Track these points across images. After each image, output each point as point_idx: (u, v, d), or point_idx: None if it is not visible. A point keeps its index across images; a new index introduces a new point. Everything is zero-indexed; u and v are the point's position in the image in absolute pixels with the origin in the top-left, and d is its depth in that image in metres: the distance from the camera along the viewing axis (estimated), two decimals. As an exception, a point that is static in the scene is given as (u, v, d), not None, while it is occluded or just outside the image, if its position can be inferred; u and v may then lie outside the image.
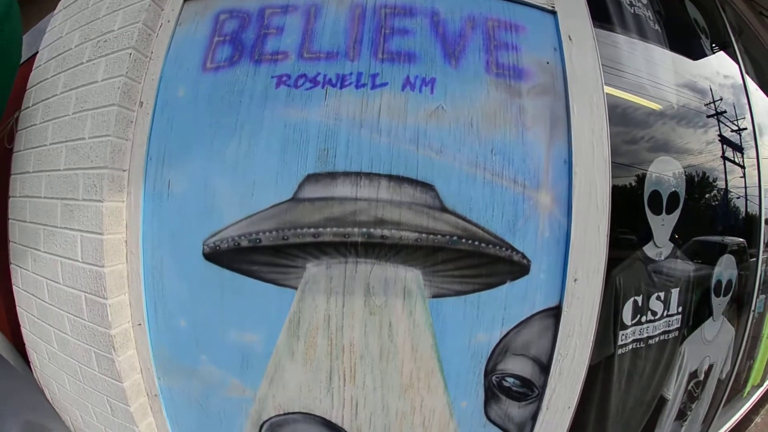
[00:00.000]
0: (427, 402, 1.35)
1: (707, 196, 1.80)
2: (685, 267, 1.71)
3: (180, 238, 1.34)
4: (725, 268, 1.90)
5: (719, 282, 1.89)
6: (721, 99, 1.85)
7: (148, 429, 1.55)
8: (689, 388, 1.97)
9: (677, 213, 1.64)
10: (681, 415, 2.05)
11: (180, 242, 1.35)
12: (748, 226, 2.01)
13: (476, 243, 1.25)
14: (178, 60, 1.39)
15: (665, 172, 1.60)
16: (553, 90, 1.32)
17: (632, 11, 1.67)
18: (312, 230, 1.24)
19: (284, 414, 1.40)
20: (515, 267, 1.28)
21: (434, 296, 1.26)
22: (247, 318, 1.32)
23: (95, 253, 1.35)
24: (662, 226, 1.61)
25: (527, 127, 1.29)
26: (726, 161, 1.85)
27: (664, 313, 1.67)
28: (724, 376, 2.15)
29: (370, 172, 1.24)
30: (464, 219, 1.25)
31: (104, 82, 1.39)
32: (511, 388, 1.38)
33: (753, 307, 2.12)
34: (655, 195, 1.56)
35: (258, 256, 1.27)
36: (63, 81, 1.50)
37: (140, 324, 1.44)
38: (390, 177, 1.23)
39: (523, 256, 1.27)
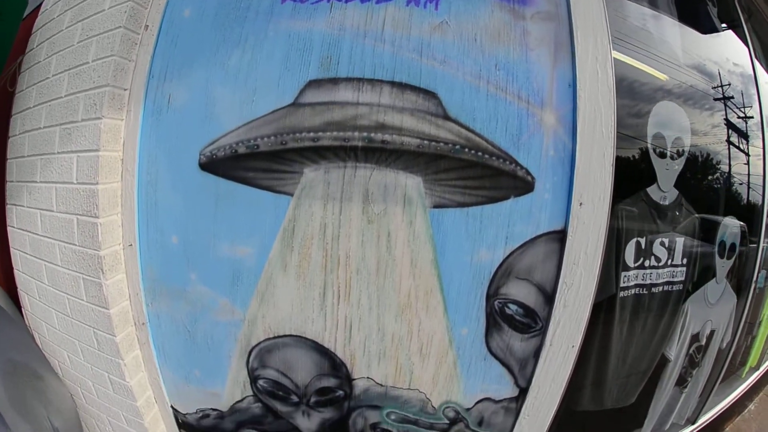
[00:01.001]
0: (425, 325, 1.20)
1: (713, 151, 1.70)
2: (690, 218, 1.59)
3: (177, 150, 1.23)
4: (729, 231, 1.78)
5: (723, 243, 1.75)
6: (727, 83, 1.79)
7: (134, 362, 1.39)
8: (691, 351, 1.79)
9: (682, 161, 1.54)
10: (681, 381, 1.85)
11: (177, 154, 1.24)
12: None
13: (479, 153, 1.14)
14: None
15: (668, 116, 1.52)
16: (557, 17, 1.25)
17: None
18: (311, 134, 1.13)
19: (274, 338, 1.25)
20: (519, 183, 1.16)
21: (435, 206, 1.14)
22: (240, 229, 1.19)
23: (90, 171, 1.24)
24: (666, 170, 1.50)
25: (531, 47, 1.21)
26: (728, 105, 1.77)
27: (668, 262, 1.54)
28: (724, 345, 1.95)
29: (372, 78, 1.14)
30: (467, 128, 1.14)
31: (111, 9, 1.32)
32: (513, 317, 1.24)
33: (755, 278, 1.98)
34: (659, 137, 1.47)
35: (255, 163, 1.16)
36: (69, 17, 1.43)
37: (131, 245, 1.31)
38: (393, 83, 1.14)
39: (528, 172, 1.16)
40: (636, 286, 1.45)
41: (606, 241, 1.21)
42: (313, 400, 1.27)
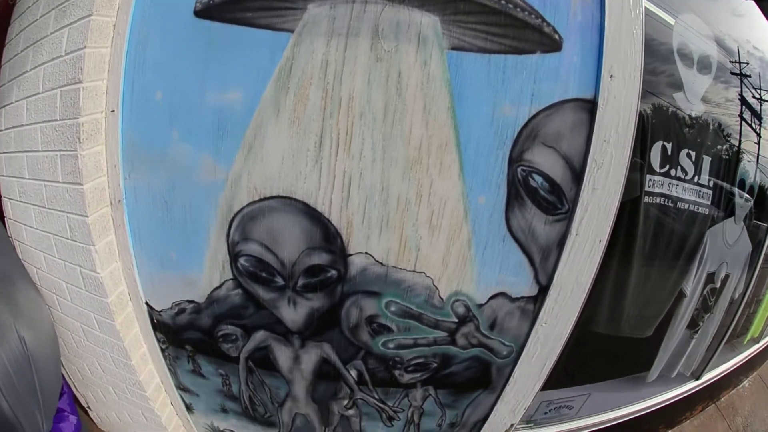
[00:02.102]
0: (437, 187, 0.95)
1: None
2: (716, 138, 1.37)
3: (173, 3, 1.03)
4: (750, 170, 1.56)
5: (743, 181, 1.54)
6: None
7: (107, 249, 1.13)
8: (705, 293, 1.54)
9: (709, 78, 1.33)
10: (693, 324, 1.60)
11: (172, 7, 1.03)
12: None
13: (503, 2, 0.92)
14: None
15: (693, 30, 1.33)
16: None
17: None
18: (319, -37, 0.93)
19: (259, 200, 0.99)
20: (546, 39, 0.94)
21: (453, 48, 0.91)
22: (231, 73, 0.95)
23: (80, 37, 1.01)
24: (693, 83, 1.30)
25: None
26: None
27: (695, 179, 1.30)
28: (736, 296, 1.72)
29: None
30: (493, -30, 0.94)
31: None
32: (538, 191, 0.99)
33: None
34: (684, 47, 1.27)
35: (254, 2, 0.95)
36: None
37: (113, 111, 1.07)
38: None
39: (555, 30, 0.94)
40: (662, 195, 1.22)
41: (636, 127, 0.98)
42: (300, 282, 1.00)
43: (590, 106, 0.94)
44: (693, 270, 1.46)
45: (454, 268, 0.95)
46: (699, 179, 1.30)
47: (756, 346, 2.21)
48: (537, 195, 0.94)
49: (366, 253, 0.94)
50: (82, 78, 1.01)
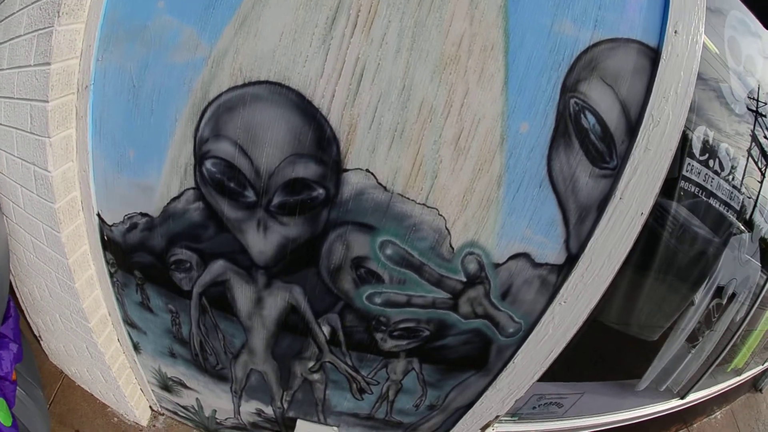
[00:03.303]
0: (473, 99, 0.67)
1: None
2: (754, 144, 1.15)
3: None
4: None
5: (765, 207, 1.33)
6: None
7: (63, 144, 0.84)
8: (711, 306, 1.35)
9: (755, 80, 1.11)
10: (693, 338, 1.42)
11: None
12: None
13: None
14: None
15: (742, 29, 1.09)
16: None
17: None
18: None
19: (243, 85, 0.70)
20: None
21: None
22: None
23: None
24: (739, 79, 1.07)
25: None
26: None
27: (730, 177, 1.07)
28: (738, 318, 1.53)
29: None
30: None
31: None
32: (589, 133, 0.72)
33: None
34: (733, 43, 1.04)
35: None
36: None
37: None
38: None
39: None
40: (698, 185, 0.98)
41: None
42: (276, 200, 0.71)
43: (653, 56, 0.73)
44: (704, 281, 1.23)
45: (475, 210, 0.67)
46: (733, 179, 1.07)
47: (736, 379, 2.00)
48: (587, 138, 0.67)
49: (367, 170, 0.66)
50: None
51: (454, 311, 0.77)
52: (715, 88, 1.04)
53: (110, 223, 0.86)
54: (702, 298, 1.29)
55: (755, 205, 1.29)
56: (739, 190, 1.14)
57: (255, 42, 0.64)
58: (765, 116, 1.39)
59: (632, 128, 0.72)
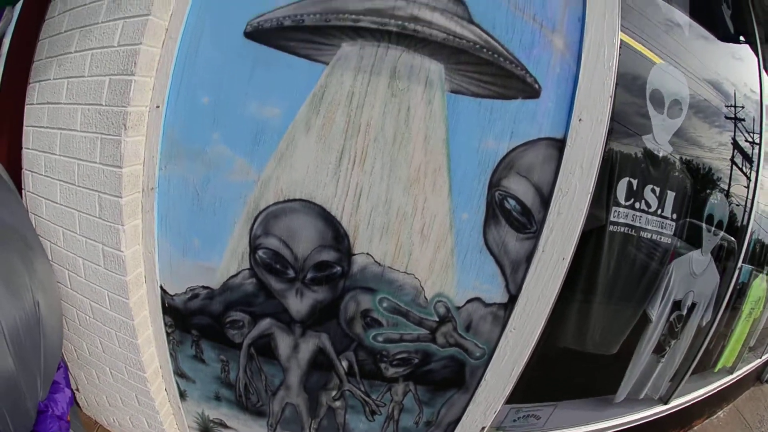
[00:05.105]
0: (430, 203, 1.29)
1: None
2: (682, 177, 1.74)
3: (224, 21, 1.37)
4: (719, 206, 1.93)
5: (711, 216, 1.90)
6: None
7: (132, 231, 1.43)
8: (671, 319, 1.90)
9: (679, 120, 1.72)
10: (660, 349, 1.95)
11: (223, 24, 1.37)
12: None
13: (495, 55, 1.31)
14: None
15: (667, 74, 1.72)
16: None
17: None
18: (353, 16, 1.30)
19: (284, 201, 1.32)
20: (527, 88, 1.32)
21: (452, 91, 1.29)
22: (272, 91, 1.31)
23: (135, 33, 1.34)
24: (662, 125, 1.68)
25: (549, -16, 1.44)
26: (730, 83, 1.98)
27: (658, 211, 1.67)
28: (704, 323, 2.07)
29: (412, -21, 1.34)
30: (488, 33, 1.32)
31: None
32: (511, 212, 1.34)
33: (738, 265, 2.11)
34: (656, 93, 1.66)
35: (297, 34, 1.31)
36: None
37: (158, 106, 1.40)
38: (429, -14, 1.34)
39: (535, 80, 1.33)
40: (626, 225, 1.58)
41: (600, 164, 1.35)
42: (309, 276, 1.31)
43: (560, 144, 1.31)
44: (658, 296, 1.83)
45: (438, 273, 1.27)
46: (662, 212, 1.66)
47: (728, 378, 2.51)
48: (510, 215, 1.28)
49: (367, 253, 1.26)
50: (135, 72, 1.32)
51: (433, 343, 1.35)
52: (636, 143, 1.62)
53: (172, 293, 1.44)
54: (659, 314, 1.86)
55: (704, 220, 1.81)
56: (672, 219, 1.70)
57: (290, 172, 1.26)
58: (743, 120, 2.00)
59: (546, 201, 1.33)
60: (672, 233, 1.72)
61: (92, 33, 1.45)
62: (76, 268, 1.52)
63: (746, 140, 2.11)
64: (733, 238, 2.10)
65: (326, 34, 1.28)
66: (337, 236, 1.30)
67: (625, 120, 1.60)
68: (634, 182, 1.60)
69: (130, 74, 1.34)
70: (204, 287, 1.43)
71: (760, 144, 2.11)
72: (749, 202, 2.19)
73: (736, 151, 2.09)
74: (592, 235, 1.52)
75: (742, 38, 2.22)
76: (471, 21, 1.30)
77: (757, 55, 2.28)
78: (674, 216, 1.72)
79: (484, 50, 1.29)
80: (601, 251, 1.57)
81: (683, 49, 1.84)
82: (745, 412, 2.92)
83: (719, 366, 2.53)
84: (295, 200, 1.30)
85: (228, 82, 1.33)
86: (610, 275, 1.62)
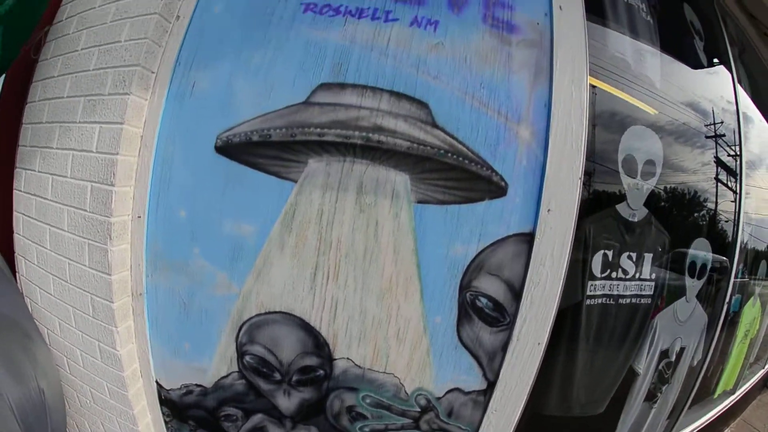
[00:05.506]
0: (403, 310, 1.38)
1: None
2: (659, 236, 1.80)
3: (195, 133, 1.44)
4: (700, 252, 1.99)
5: (693, 263, 1.96)
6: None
7: (126, 332, 1.54)
8: (660, 367, 1.97)
9: (654, 181, 1.77)
10: (651, 396, 2.01)
11: (195, 137, 1.44)
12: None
13: (460, 159, 1.36)
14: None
15: (640, 139, 1.76)
16: (540, 45, 1.51)
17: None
18: (318, 130, 1.35)
19: (265, 313, 1.41)
20: (494, 187, 1.38)
21: (419, 201, 1.35)
22: (245, 209, 1.38)
23: (112, 142, 1.41)
24: (637, 190, 1.73)
25: (513, 71, 1.46)
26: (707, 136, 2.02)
27: (636, 275, 1.73)
28: (695, 363, 2.13)
29: (374, 86, 1.38)
30: (452, 136, 1.37)
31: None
32: (483, 310, 1.42)
33: (727, 300, 2.18)
34: (629, 158, 1.70)
35: (265, 150, 1.37)
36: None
37: (140, 217, 1.48)
38: (391, 92, 1.37)
39: (502, 179, 1.38)
40: (603, 295, 1.65)
41: (572, 247, 1.41)
42: (295, 378, 1.42)
43: (529, 238, 1.37)
44: (644, 352, 1.89)
45: (416, 371, 1.38)
46: (641, 275, 1.73)
47: (732, 398, 2.59)
48: (482, 312, 1.37)
49: (347, 358, 1.36)
50: (114, 182, 1.40)
51: (417, 430, 1.47)
52: (610, 214, 1.70)
53: (167, 388, 1.57)
54: (647, 366, 1.93)
55: (687, 271, 1.88)
56: (651, 279, 1.78)
57: (269, 288, 1.36)
58: (724, 135, 2.05)
59: (517, 294, 1.41)
60: (652, 293, 1.80)
61: (71, 132, 1.52)
62: (74, 357, 1.63)
63: (728, 159, 2.15)
64: (719, 275, 2.17)
65: (293, 150, 1.35)
66: (317, 344, 1.41)
67: (597, 195, 1.65)
68: (610, 253, 1.67)
69: (110, 185, 1.42)
70: (197, 385, 1.55)
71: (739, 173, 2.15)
72: (735, 227, 2.24)
73: (719, 168, 2.14)
74: (569, 311, 1.61)
75: (716, 61, 2.22)
76: (435, 125, 1.35)
77: (730, 71, 2.29)
78: (653, 276, 1.79)
79: (449, 155, 1.34)
80: (579, 326, 1.65)
81: (652, 98, 1.86)
82: (754, 421, 3.02)
83: (719, 392, 2.60)
84: (275, 312, 1.40)
85: (202, 197, 1.41)
86: (591, 345, 1.71)
